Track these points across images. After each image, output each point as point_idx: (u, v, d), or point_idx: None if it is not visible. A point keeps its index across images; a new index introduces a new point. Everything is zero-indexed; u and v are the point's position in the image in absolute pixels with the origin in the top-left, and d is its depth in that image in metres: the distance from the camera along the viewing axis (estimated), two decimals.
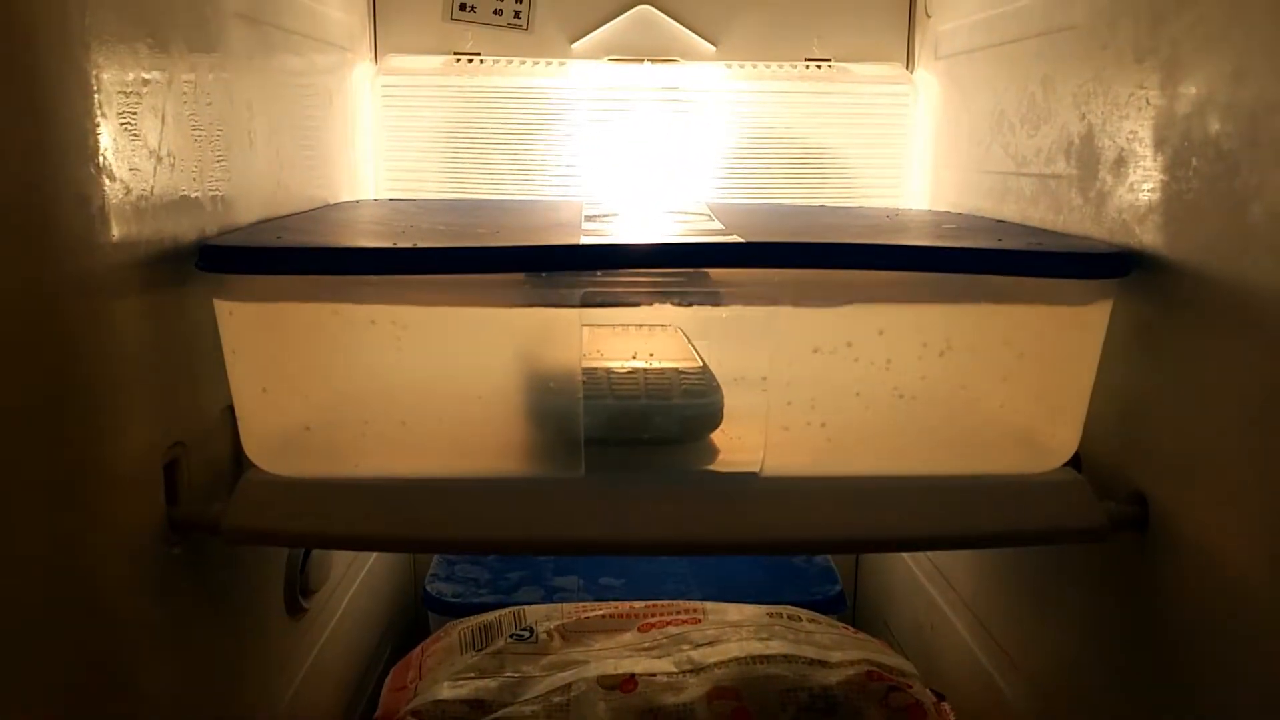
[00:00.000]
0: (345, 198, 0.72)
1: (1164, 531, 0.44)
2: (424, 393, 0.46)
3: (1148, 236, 0.46)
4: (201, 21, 0.48)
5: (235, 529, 0.44)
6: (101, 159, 0.38)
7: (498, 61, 0.79)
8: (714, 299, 0.45)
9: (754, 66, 0.80)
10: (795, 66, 0.80)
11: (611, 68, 0.79)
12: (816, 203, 0.80)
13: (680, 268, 0.43)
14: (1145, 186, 0.46)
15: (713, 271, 0.43)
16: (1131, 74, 0.48)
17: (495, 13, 0.79)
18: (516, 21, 0.79)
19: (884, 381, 0.45)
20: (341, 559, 0.70)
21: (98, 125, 0.37)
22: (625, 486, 0.46)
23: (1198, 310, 0.42)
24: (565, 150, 0.79)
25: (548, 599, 0.75)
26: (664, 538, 0.46)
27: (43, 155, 0.35)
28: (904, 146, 0.80)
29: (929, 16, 0.79)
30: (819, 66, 0.80)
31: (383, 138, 0.79)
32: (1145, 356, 0.46)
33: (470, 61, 0.79)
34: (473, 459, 0.47)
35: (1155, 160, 0.45)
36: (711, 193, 0.80)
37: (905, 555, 0.80)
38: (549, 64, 0.79)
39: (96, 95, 0.37)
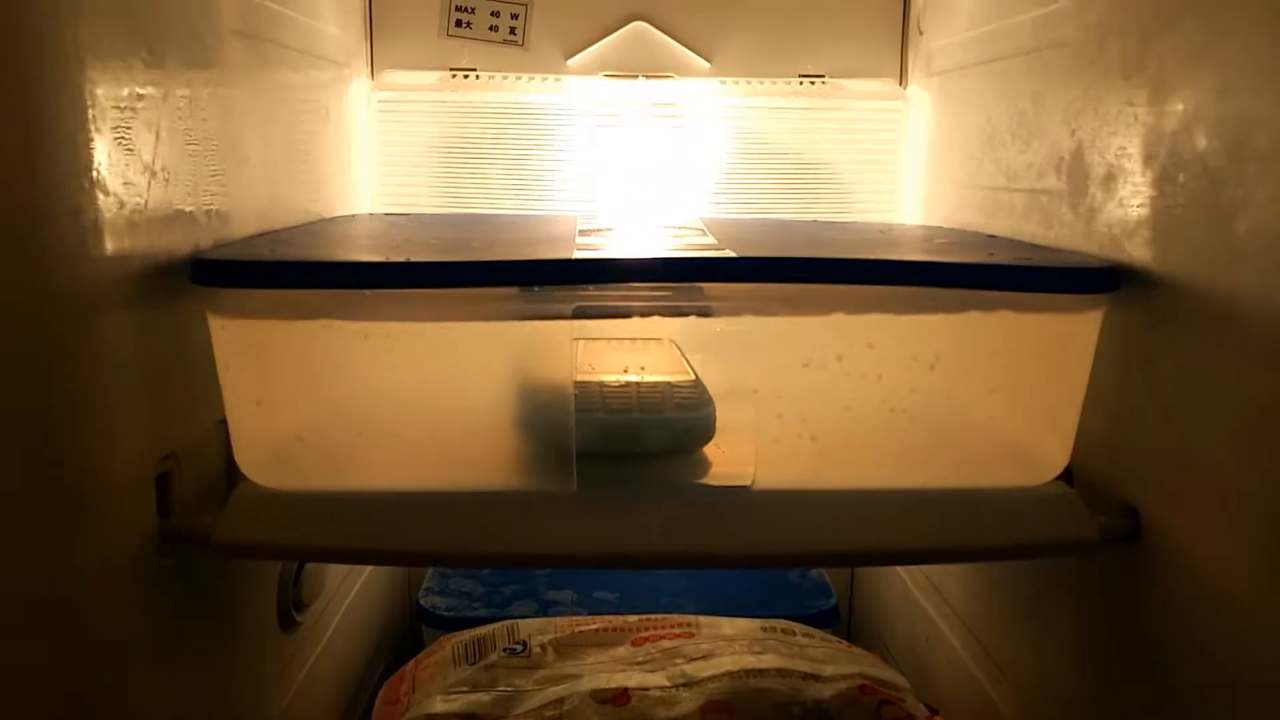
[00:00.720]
0: (341, 212, 0.73)
1: (1155, 544, 0.44)
2: (416, 406, 0.46)
3: (1137, 251, 0.46)
4: (197, 37, 0.48)
5: (227, 542, 0.44)
6: (95, 173, 0.38)
7: (493, 77, 0.79)
8: (705, 313, 0.45)
9: (748, 82, 0.80)
10: (789, 82, 0.81)
11: (606, 84, 0.80)
12: (810, 218, 0.80)
13: (671, 282, 0.43)
14: (1134, 202, 0.46)
15: (704, 285, 0.44)
16: (1120, 90, 0.48)
17: (491, 29, 0.80)
18: (512, 38, 0.80)
19: (874, 395, 0.46)
20: (335, 572, 0.70)
21: (91, 139, 0.38)
22: (617, 500, 0.46)
23: (1187, 324, 0.42)
24: (560, 165, 0.79)
25: (542, 613, 0.75)
26: (656, 551, 0.46)
27: (35, 169, 0.35)
28: (897, 162, 0.80)
29: (921, 33, 0.79)
30: (813, 82, 0.81)
31: (379, 153, 0.79)
32: (1136, 370, 0.46)
33: (466, 77, 0.79)
34: (465, 472, 0.47)
35: (1144, 176, 0.46)
36: (706, 208, 0.80)
37: (899, 569, 0.80)
38: (544, 80, 0.79)
39: (90, 109, 0.38)
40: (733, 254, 0.46)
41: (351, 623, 0.75)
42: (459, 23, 0.79)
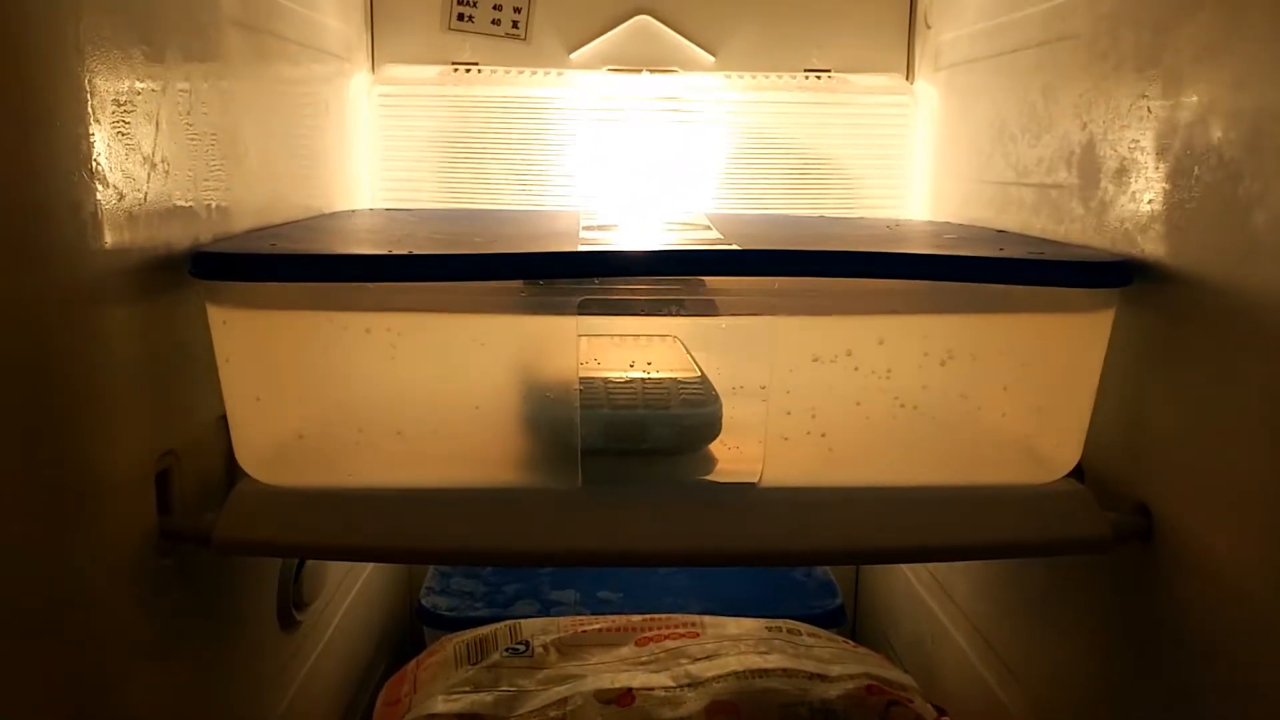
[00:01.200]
0: (341, 207, 0.72)
1: (1168, 543, 0.44)
2: (419, 402, 0.45)
3: (1150, 246, 0.45)
4: (197, 29, 0.47)
5: (227, 539, 0.44)
6: (94, 165, 0.37)
7: (495, 71, 0.79)
8: (711, 308, 0.44)
9: (753, 77, 0.80)
10: (795, 77, 0.80)
11: (610, 78, 0.79)
12: (817, 214, 0.79)
13: (676, 275, 0.42)
14: (1147, 195, 0.46)
15: (710, 280, 0.43)
16: (1133, 83, 0.47)
17: (493, 23, 0.79)
18: (515, 31, 0.79)
19: (885, 391, 0.45)
20: (336, 571, 0.70)
21: (91, 131, 0.37)
22: (622, 497, 0.46)
23: (1201, 319, 0.42)
24: (564, 160, 0.78)
25: (544, 613, 0.74)
26: (661, 549, 0.45)
27: (34, 161, 0.34)
28: (905, 157, 0.80)
29: (929, 27, 0.79)
30: (819, 77, 0.80)
31: (379, 147, 0.78)
32: (1149, 366, 0.46)
33: (468, 71, 0.79)
34: (468, 469, 0.46)
35: (1157, 169, 0.45)
36: (711, 203, 0.80)
37: (905, 567, 0.80)
38: (547, 74, 0.79)
39: (90, 101, 0.37)
40: (738, 248, 0.45)
41: (352, 622, 0.74)
42: (461, 16, 0.79)
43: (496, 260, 0.42)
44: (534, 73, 0.79)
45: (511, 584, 0.79)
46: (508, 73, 0.78)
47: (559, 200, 0.79)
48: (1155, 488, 0.45)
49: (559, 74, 0.79)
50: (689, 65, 0.80)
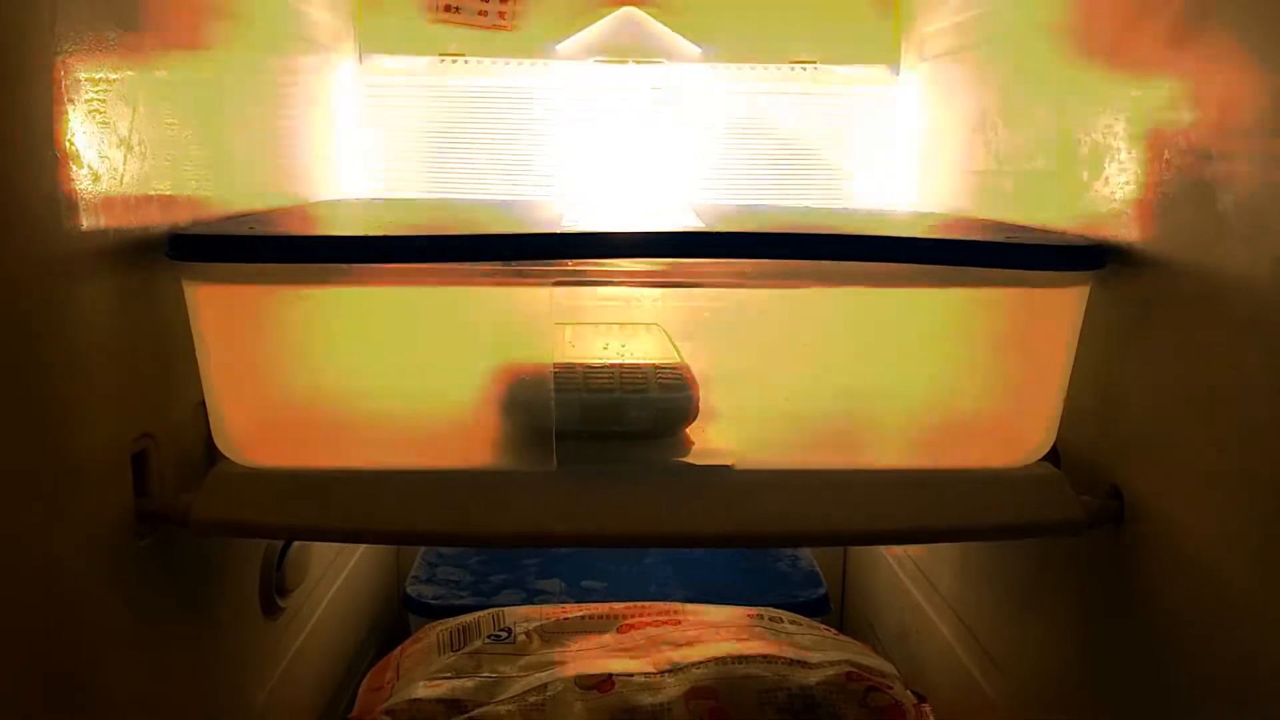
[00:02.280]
0: (327, 196, 0.72)
1: (1140, 524, 0.44)
2: (394, 384, 0.45)
3: (1123, 229, 0.45)
4: (177, 15, 0.48)
5: (203, 519, 0.44)
6: (68, 145, 0.37)
7: (482, 62, 0.79)
8: (684, 290, 0.44)
9: (739, 68, 0.80)
10: (781, 68, 0.80)
11: (596, 69, 0.79)
12: (802, 204, 0.80)
13: (648, 257, 0.42)
14: (1120, 179, 0.46)
15: (683, 262, 0.43)
16: (1107, 69, 0.48)
17: (480, 14, 0.79)
18: (501, 23, 0.79)
19: (859, 373, 0.45)
20: (320, 559, 0.70)
21: (64, 111, 0.37)
22: (597, 479, 0.46)
23: (1172, 301, 0.42)
24: (550, 151, 0.79)
25: (529, 601, 0.74)
26: (635, 530, 0.46)
27: (7, 141, 0.34)
28: (890, 148, 0.80)
29: (914, 19, 0.79)
30: (804, 69, 0.80)
31: (366, 137, 0.79)
32: (1121, 349, 0.46)
33: (455, 62, 0.79)
34: (444, 451, 0.47)
35: (1130, 153, 0.45)
36: (697, 194, 0.80)
37: (888, 557, 0.80)
38: (534, 65, 0.79)
39: (63, 81, 0.37)
40: (710, 229, 0.46)
41: (338, 610, 0.74)
42: (448, 7, 0.79)
43: (469, 241, 0.42)
44: (521, 63, 0.79)
45: (497, 573, 0.79)
46: (494, 63, 0.79)
47: (545, 190, 0.79)
48: (1127, 469, 0.45)
49: (545, 65, 0.79)
50: (675, 56, 0.81)
